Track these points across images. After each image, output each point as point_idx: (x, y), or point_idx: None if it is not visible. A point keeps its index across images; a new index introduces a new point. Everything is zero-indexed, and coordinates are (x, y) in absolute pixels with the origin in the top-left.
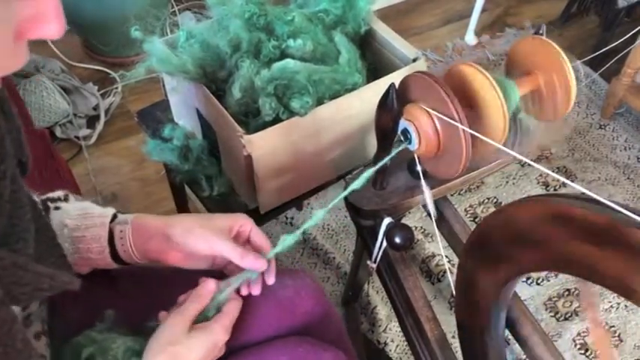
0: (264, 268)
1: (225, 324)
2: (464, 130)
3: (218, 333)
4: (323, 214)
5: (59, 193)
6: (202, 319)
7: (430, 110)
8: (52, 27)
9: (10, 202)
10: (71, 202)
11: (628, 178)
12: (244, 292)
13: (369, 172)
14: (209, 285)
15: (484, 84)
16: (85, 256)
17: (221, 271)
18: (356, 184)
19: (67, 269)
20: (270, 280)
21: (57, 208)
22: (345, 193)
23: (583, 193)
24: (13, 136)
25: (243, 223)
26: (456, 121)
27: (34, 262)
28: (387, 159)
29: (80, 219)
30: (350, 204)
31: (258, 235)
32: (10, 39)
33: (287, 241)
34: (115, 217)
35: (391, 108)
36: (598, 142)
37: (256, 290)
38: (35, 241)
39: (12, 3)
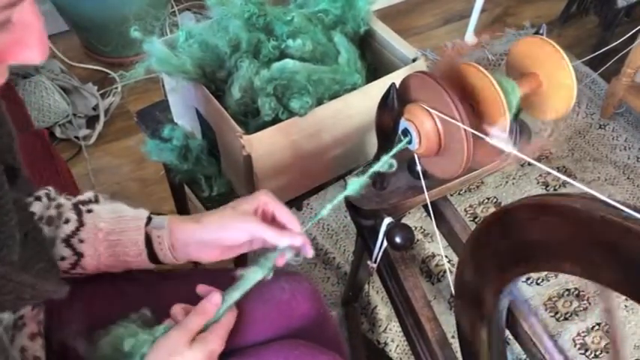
0: (302, 242)
1: (221, 334)
2: (465, 129)
3: (214, 343)
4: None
5: (89, 195)
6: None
7: (431, 110)
8: (34, 53)
9: None
10: (101, 203)
11: (628, 178)
12: (281, 262)
13: (386, 159)
14: (215, 299)
15: (485, 84)
16: (121, 258)
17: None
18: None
19: (54, 276)
20: (309, 253)
21: (89, 211)
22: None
23: (584, 193)
24: (4, 141)
25: (265, 201)
26: (457, 121)
27: (17, 271)
28: (386, 158)
29: (114, 222)
30: (350, 204)
31: (282, 213)
32: None
33: (319, 214)
34: (149, 219)
35: (392, 108)
36: (598, 141)
37: (281, 262)
38: (22, 247)
39: None
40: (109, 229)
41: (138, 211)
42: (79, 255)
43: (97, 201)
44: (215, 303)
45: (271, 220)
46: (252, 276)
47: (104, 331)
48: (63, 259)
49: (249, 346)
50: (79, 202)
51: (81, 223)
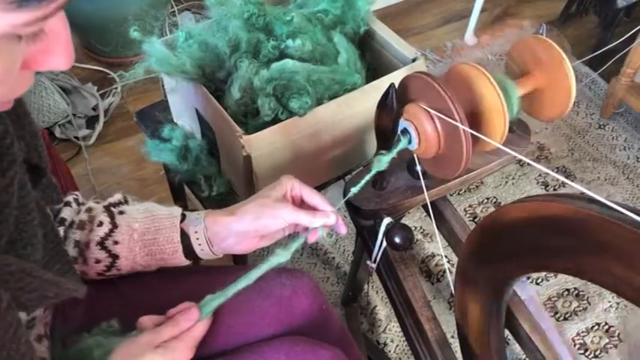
0: (335, 220)
1: (189, 344)
2: (464, 129)
3: (180, 353)
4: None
5: (119, 197)
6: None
7: (430, 110)
8: (60, 60)
9: (17, 209)
10: (131, 204)
11: (627, 178)
12: (311, 239)
13: (388, 158)
14: (192, 315)
15: (484, 84)
16: (158, 257)
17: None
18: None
19: (72, 275)
20: (342, 230)
21: (121, 213)
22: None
23: (583, 193)
24: (27, 141)
25: (291, 186)
26: (456, 121)
27: (41, 269)
28: (386, 159)
29: (148, 222)
30: (350, 204)
31: (310, 195)
32: (16, 70)
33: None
34: (183, 216)
35: (391, 108)
36: (597, 142)
37: (343, 229)
38: (43, 248)
39: (20, 44)
40: (144, 228)
41: (171, 209)
42: (115, 257)
43: (126, 202)
44: (192, 319)
45: (300, 203)
46: (276, 259)
47: (74, 340)
48: (98, 262)
49: (250, 343)
50: (110, 205)
51: (114, 225)
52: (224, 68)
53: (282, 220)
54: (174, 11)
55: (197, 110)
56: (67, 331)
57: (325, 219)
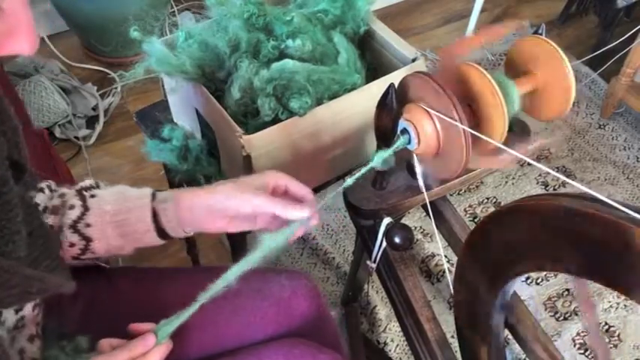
0: (310, 214)
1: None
2: (464, 129)
3: None
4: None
5: (90, 182)
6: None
7: (430, 110)
8: (23, 43)
9: None
10: (103, 188)
11: (627, 178)
12: (300, 233)
13: (383, 157)
14: (148, 341)
15: (484, 84)
16: (130, 237)
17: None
18: (376, 163)
19: (62, 271)
20: (315, 220)
21: (93, 196)
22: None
23: (583, 193)
24: (8, 137)
25: (278, 177)
26: (455, 121)
27: (23, 265)
28: (384, 156)
29: (120, 202)
30: (350, 204)
31: (295, 186)
32: None
33: (334, 194)
34: (154, 195)
35: (391, 108)
36: (597, 141)
37: (301, 232)
38: (29, 244)
39: None
40: (115, 209)
41: (142, 189)
42: (88, 239)
43: (98, 186)
44: (148, 345)
45: (283, 195)
46: (255, 256)
47: (70, 341)
48: (72, 245)
49: (248, 345)
50: (82, 189)
51: (86, 208)
52: (224, 68)
53: (250, 205)
54: (174, 11)
55: (197, 110)
56: (65, 330)
57: (299, 211)
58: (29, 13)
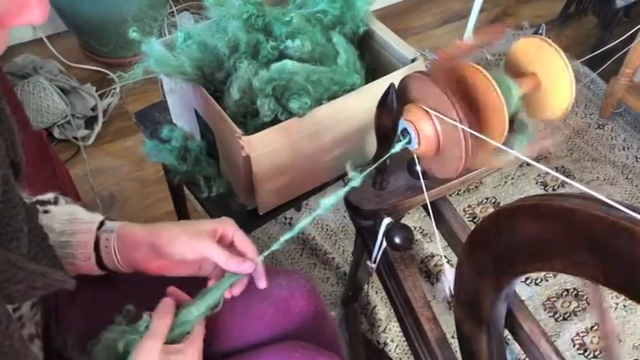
0: (249, 270)
1: (199, 347)
2: (463, 129)
3: (193, 356)
4: (316, 214)
5: (49, 196)
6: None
7: (430, 110)
8: (35, 13)
9: (2, 203)
10: (61, 205)
11: (626, 178)
12: (227, 295)
13: (385, 158)
14: (168, 301)
15: (484, 84)
16: (69, 261)
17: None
18: (355, 182)
19: (59, 269)
20: (261, 284)
21: (46, 212)
22: (345, 189)
23: (583, 193)
24: (5, 137)
25: (226, 226)
26: (455, 121)
27: (27, 261)
28: (386, 156)
29: (67, 224)
30: (350, 204)
31: (241, 240)
32: None
33: (277, 243)
34: (102, 223)
35: (391, 108)
36: (596, 141)
37: (237, 290)
38: (28, 242)
39: None
40: (61, 229)
41: (93, 215)
42: None
43: (56, 202)
44: (169, 304)
45: (229, 247)
46: (205, 302)
47: (95, 340)
48: None
49: (247, 347)
50: (37, 202)
51: None
52: (223, 69)
53: (195, 251)
54: (173, 12)
55: (196, 111)
56: (66, 334)
57: (239, 265)
58: None
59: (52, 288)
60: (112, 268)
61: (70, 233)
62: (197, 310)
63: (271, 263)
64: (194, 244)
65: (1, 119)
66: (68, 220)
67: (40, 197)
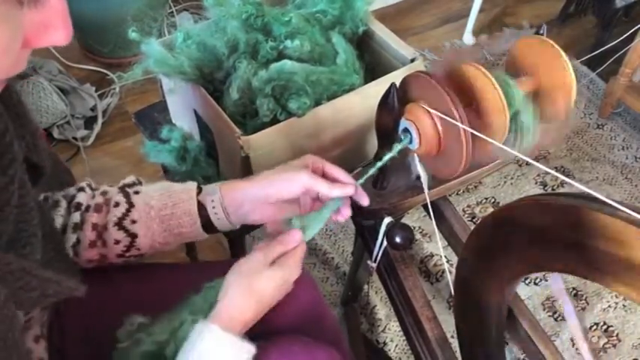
0: (352, 193)
1: (298, 261)
2: (464, 129)
3: (292, 268)
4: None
5: (132, 178)
6: None
7: (431, 110)
8: (60, 35)
9: (17, 207)
10: (145, 185)
11: (626, 178)
12: (340, 218)
13: (388, 158)
14: (296, 235)
15: (485, 83)
16: (176, 231)
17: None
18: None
19: (72, 274)
20: (365, 201)
21: (136, 192)
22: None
23: (583, 192)
24: (27, 140)
25: (315, 160)
26: (456, 121)
27: (40, 268)
28: (387, 157)
29: (165, 197)
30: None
31: (331, 168)
32: (18, 47)
33: (369, 172)
34: (200, 189)
35: (392, 107)
36: (596, 141)
37: (347, 212)
38: (42, 247)
39: (23, 13)
40: (161, 204)
41: (187, 184)
42: (133, 236)
43: (140, 183)
44: (296, 239)
45: (322, 176)
46: (323, 214)
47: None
48: (117, 242)
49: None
50: (125, 186)
51: (131, 205)
52: (222, 69)
53: (299, 184)
54: (172, 12)
55: (195, 111)
56: (66, 330)
57: (343, 189)
58: (65, 2)
59: (64, 295)
60: (221, 227)
61: (171, 205)
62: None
63: None
64: (296, 179)
65: (23, 123)
66: (164, 194)
67: (125, 181)
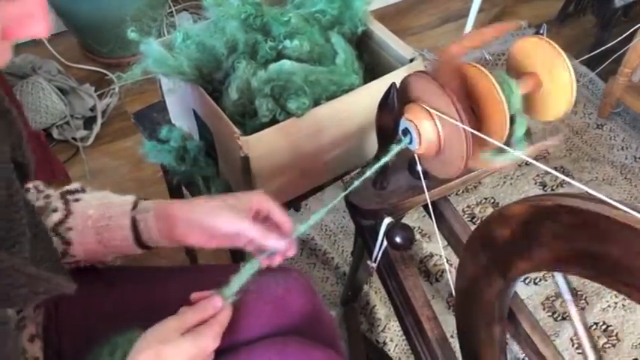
0: (285, 248)
1: (216, 330)
2: (465, 129)
3: (208, 338)
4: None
5: (76, 185)
6: None
7: (431, 110)
8: (39, 26)
9: (5, 206)
10: (89, 193)
11: (625, 178)
12: (265, 264)
13: (387, 159)
14: (216, 302)
15: (485, 83)
16: (110, 244)
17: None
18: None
19: (62, 274)
20: (292, 252)
21: (77, 200)
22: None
23: (583, 192)
24: (13, 140)
25: (262, 200)
26: (456, 121)
27: (30, 265)
28: (387, 157)
29: (102, 208)
30: (350, 204)
31: (278, 213)
32: None
33: (309, 221)
34: (135, 204)
35: (392, 107)
36: (595, 141)
37: (277, 260)
38: (32, 247)
39: (1, 5)
40: (98, 215)
41: (125, 197)
42: (67, 243)
43: (84, 191)
44: (215, 306)
45: (264, 219)
46: (240, 277)
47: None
48: None
49: (241, 344)
50: (66, 192)
51: (69, 212)
52: (222, 69)
53: (232, 225)
54: (171, 12)
55: (195, 111)
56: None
57: (277, 242)
58: None
59: (55, 292)
60: (153, 244)
61: (107, 217)
62: (228, 290)
63: None
64: (232, 219)
65: (9, 122)
66: (102, 205)
67: (68, 187)
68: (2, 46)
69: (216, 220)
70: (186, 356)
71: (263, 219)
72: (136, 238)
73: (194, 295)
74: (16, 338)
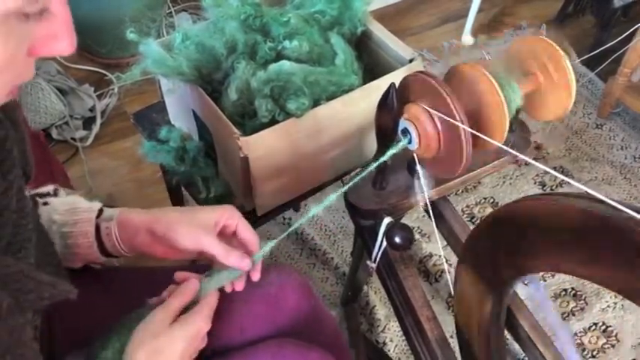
0: (249, 267)
1: (205, 313)
2: (464, 129)
3: (199, 323)
4: (314, 212)
5: (49, 188)
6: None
7: (430, 110)
8: (63, 45)
9: (15, 212)
10: (60, 197)
11: (625, 178)
12: (228, 289)
13: (386, 158)
14: (193, 284)
15: (485, 83)
16: (74, 250)
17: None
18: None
19: (63, 278)
20: (255, 276)
21: (45, 204)
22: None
23: (582, 192)
24: (19, 148)
25: (229, 216)
26: (456, 121)
27: (37, 271)
28: (386, 156)
29: (68, 214)
30: (350, 204)
31: (245, 230)
32: (24, 55)
33: (270, 243)
34: (101, 211)
35: (391, 107)
36: (595, 141)
37: (240, 286)
38: (36, 251)
39: (29, 23)
40: (63, 220)
41: (92, 204)
42: None
43: (56, 194)
44: (192, 288)
45: (231, 236)
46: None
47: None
48: None
49: (238, 346)
50: (37, 195)
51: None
52: (221, 70)
53: (193, 243)
54: (171, 12)
55: (194, 112)
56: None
57: (239, 261)
58: (69, 13)
59: (59, 297)
60: (116, 253)
61: (72, 223)
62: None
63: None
64: (194, 235)
65: (17, 130)
66: (68, 211)
67: (40, 190)
68: (27, 62)
69: (176, 233)
70: (181, 343)
71: (230, 235)
72: (100, 245)
73: (178, 275)
74: (32, 342)
